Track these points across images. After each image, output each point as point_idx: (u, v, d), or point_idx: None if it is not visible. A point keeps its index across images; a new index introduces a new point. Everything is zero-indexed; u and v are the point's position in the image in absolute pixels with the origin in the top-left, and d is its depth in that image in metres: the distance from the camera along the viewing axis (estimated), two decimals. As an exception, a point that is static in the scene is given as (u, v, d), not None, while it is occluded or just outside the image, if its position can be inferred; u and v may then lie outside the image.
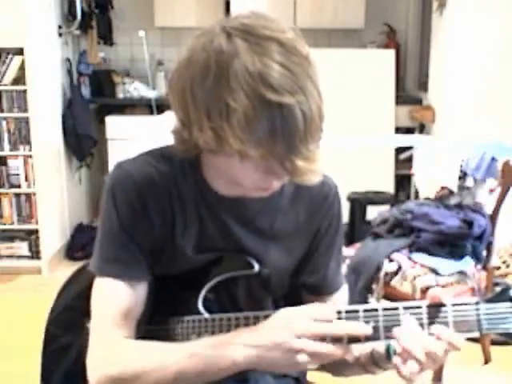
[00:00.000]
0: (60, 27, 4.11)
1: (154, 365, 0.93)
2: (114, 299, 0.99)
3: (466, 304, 0.90)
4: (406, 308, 0.91)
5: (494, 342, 2.62)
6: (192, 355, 0.91)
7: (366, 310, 0.93)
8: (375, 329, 0.92)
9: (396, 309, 0.92)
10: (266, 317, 0.98)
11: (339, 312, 0.94)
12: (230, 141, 0.84)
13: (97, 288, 1.00)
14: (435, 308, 0.90)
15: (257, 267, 1.05)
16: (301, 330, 0.87)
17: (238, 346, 0.89)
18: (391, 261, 2.41)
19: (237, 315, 1.01)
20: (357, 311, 0.93)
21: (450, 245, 2.42)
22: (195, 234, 1.05)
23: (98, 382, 0.95)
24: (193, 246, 1.05)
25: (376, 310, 0.92)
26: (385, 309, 0.92)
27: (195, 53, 0.88)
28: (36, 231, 3.83)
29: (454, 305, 0.90)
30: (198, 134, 0.88)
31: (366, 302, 2.35)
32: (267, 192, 0.98)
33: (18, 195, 3.80)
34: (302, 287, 1.14)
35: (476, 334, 0.89)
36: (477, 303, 0.89)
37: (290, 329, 0.87)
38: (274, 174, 0.90)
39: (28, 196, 3.80)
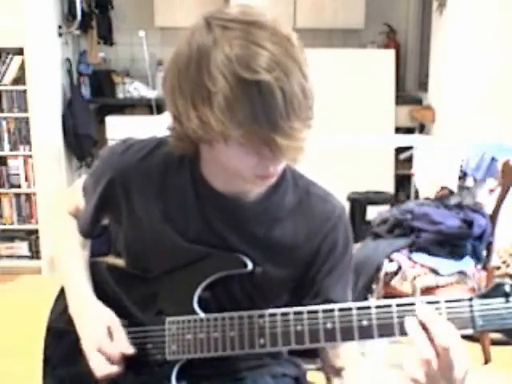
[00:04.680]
0: (60, 27, 4.11)
1: (60, 234, 1.25)
2: (78, 193, 1.20)
3: (459, 300, 0.88)
4: (399, 305, 0.91)
5: (494, 342, 2.62)
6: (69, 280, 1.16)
7: (359, 308, 0.93)
8: (369, 327, 0.92)
9: (389, 306, 0.92)
10: (261, 316, 0.98)
11: (332, 310, 0.94)
12: (213, 124, 0.85)
13: (80, 179, 1.23)
14: (428, 305, 0.89)
15: (250, 266, 1.04)
16: (96, 342, 1.04)
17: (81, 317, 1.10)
18: (391, 261, 2.41)
19: (231, 315, 1.01)
20: (350, 309, 0.93)
21: (450, 245, 2.42)
22: (182, 225, 1.06)
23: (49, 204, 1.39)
24: (181, 235, 1.06)
25: (369, 307, 0.93)
26: (378, 306, 0.92)
27: (180, 47, 0.91)
28: (36, 231, 3.83)
29: (447, 301, 0.89)
30: (187, 124, 0.90)
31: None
32: (267, 180, 0.97)
33: (18, 195, 3.80)
34: None
35: (470, 331, 0.88)
36: (470, 299, 0.88)
37: (88, 335, 1.07)
38: (264, 156, 0.90)
39: (28, 196, 3.80)
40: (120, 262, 1.19)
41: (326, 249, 1.08)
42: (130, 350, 1.06)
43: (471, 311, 0.87)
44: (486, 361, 2.57)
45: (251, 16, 0.88)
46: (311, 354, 1.24)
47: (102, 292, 1.14)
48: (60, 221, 1.27)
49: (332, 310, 0.94)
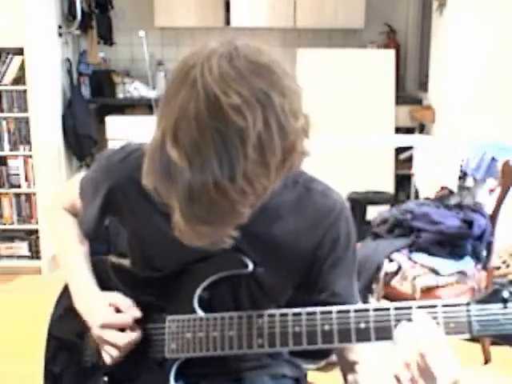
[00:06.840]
0: (60, 27, 4.11)
1: (57, 229, 1.27)
2: (74, 191, 1.21)
3: (456, 305, 0.88)
4: (396, 308, 0.90)
5: (494, 342, 2.62)
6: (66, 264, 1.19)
7: (356, 311, 0.93)
8: (366, 330, 0.92)
9: (387, 309, 0.91)
10: (259, 316, 0.98)
11: (330, 312, 0.94)
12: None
13: (76, 177, 1.24)
14: (426, 309, 0.88)
15: (251, 266, 1.04)
16: (102, 320, 1.07)
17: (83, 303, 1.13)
18: (391, 261, 2.41)
19: (231, 314, 1.01)
20: (348, 311, 0.93)
21: (450, 245, 2.42)
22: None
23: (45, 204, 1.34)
24: None
25: (367, 310, 0.92)
26: (376, 309, 0.92)
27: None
28: (36, 231, 3.83)
29: (444, 306, 0.88)
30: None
31: (366, 302, 2.35)
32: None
33: (18, 195, 3.80)
34: (315, 305, 1.11)
35: (467, 336, 0.87)
36: (467, 304, 0.87)
37: (95, 318, 1.08)
38: None
39: (28, 196, 3.80)
40: (123, 261, 1.20)
41: (328, 243, 1.07)
42: (137, 313, 1.09)
43: (468, 316, 0.87)
44: (486, 361, 2.57)
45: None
46: (313, 355, 1.24)
47: (105, 290, 1.15)
48: (56, 216, 1.28)
49: (330, 312, 0.94)
